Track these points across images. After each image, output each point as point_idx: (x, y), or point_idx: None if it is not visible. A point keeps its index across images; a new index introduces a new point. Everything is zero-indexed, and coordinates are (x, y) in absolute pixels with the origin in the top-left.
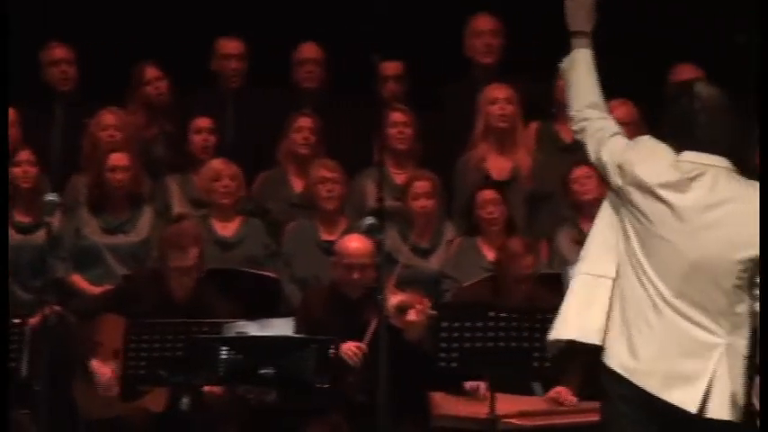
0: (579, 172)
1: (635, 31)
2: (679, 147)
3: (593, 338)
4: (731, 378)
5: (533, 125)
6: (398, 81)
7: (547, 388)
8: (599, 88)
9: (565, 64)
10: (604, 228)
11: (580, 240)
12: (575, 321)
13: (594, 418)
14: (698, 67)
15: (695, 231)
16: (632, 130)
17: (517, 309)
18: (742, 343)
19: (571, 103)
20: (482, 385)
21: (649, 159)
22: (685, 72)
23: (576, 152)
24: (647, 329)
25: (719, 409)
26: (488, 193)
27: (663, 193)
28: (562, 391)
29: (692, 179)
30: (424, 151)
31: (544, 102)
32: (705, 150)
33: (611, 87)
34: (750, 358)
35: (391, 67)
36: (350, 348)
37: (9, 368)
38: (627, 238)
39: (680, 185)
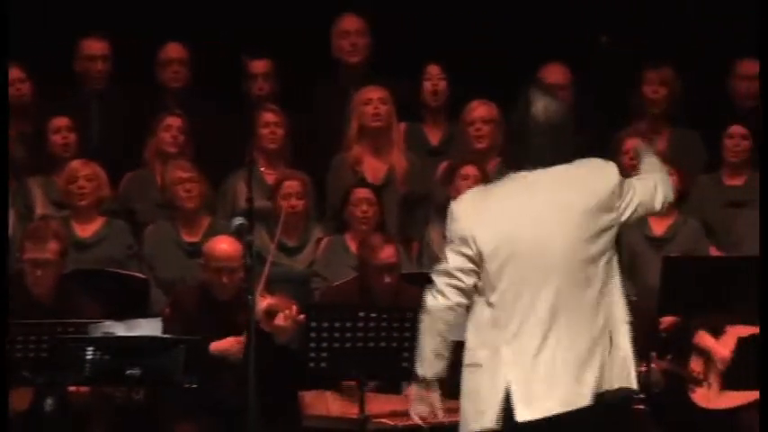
0: (468, 170)
1: (504, 31)
2: (515, 163)
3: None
4: None
5: (401, 126)
6: (267, 79)
7: None
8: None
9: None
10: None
11: None
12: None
13: None
14: (565, 67)
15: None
16: (494, 128)
17: (387, 309)
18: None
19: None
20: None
21: (477, 215)
22: (553, 72)
23: (444, 154)
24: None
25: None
26: (364, 192)
27: (506, 237)
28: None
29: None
30: (294, 151)
31: (411, 103)
32: (537, 167)
33: (480, 87)
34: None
35: (259, 66)
36: (232, 345)
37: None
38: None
39: (515, 220)
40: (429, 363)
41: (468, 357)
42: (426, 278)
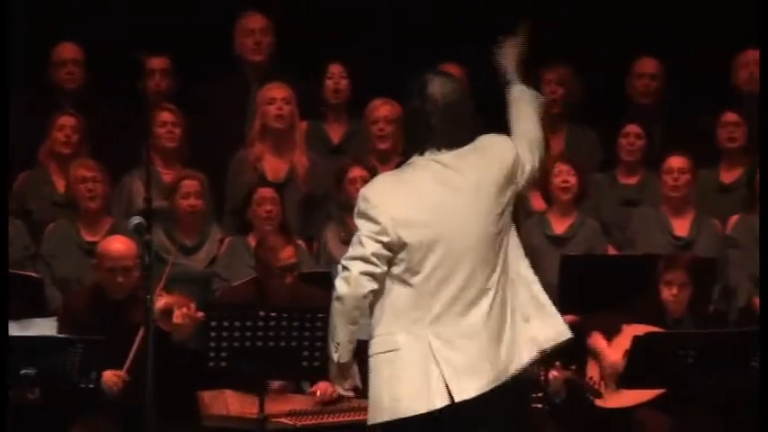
0: (356, 173)
1: (401, 30)
2: (417, 146)
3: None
4: None
5: (302, 125)
6: (165, 76)
7: None
8: None
9: None
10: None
11: (347, 240)
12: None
13: (365, 416)
14: (461, 66)
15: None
16: (398, 127)
17: (287, 309)
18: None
19: None
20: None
21: (393, 201)
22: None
23: (345, 153)
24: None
25: None
26: (267, 192)
27: (422, 216)
28: (321, 387)
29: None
30: (191, 150)
31: (313, 101)
32: (441, 148)
33: (378, 87)
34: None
35: (157, 62)
36: (110, 379)
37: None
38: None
39: (431, 197)
40: (345, 348)
41: (380, 344)
42: (324, 277)
